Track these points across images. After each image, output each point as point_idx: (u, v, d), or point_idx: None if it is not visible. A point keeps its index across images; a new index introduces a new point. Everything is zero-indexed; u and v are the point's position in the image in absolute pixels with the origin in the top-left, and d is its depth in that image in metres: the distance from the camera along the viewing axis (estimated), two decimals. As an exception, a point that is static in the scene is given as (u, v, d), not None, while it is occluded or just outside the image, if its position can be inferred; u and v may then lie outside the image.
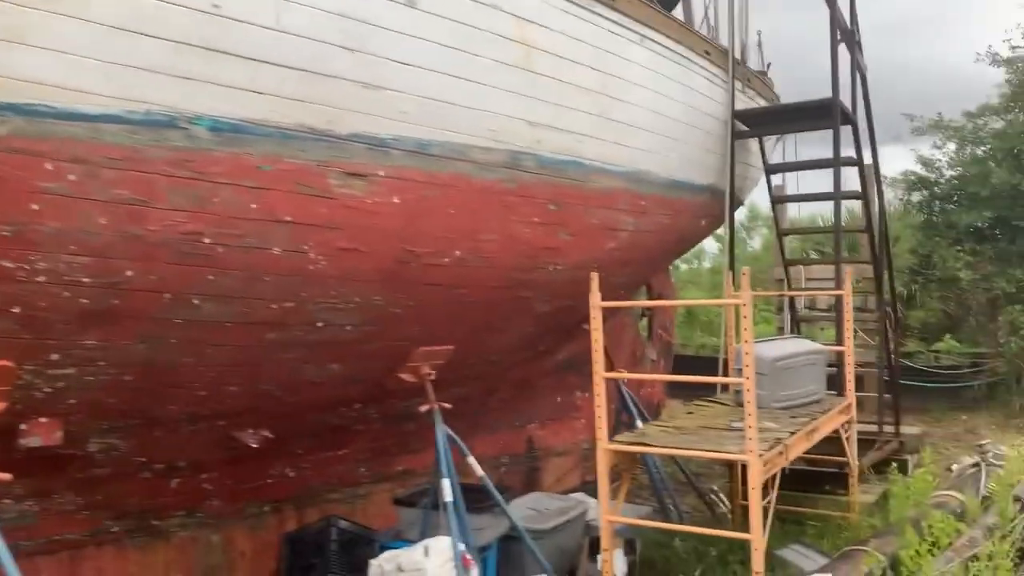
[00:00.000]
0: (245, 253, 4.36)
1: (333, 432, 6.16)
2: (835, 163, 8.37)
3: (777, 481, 5.64)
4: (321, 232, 4.60)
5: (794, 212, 18.58)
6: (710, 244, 21.88)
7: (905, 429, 9.37)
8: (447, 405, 6.00)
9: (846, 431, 7.31)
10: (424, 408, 5.83)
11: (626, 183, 6.78)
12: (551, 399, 8.95)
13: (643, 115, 6.88)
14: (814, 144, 10.54)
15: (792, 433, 5.86)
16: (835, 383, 7.66)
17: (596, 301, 5.73)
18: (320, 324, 4.94)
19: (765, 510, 5.17)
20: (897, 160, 42.53)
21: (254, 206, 4.30)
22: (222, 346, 4.69)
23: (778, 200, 9.75)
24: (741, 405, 6.85)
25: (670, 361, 11.81)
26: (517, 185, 5.63)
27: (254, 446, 5.40)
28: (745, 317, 5.86)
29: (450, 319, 5.74)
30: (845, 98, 8.79)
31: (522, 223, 5.77)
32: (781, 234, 10.33)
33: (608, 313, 9.16)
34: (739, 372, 6.85)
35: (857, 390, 7.63)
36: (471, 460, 5.97)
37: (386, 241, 4.93)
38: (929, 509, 6.36)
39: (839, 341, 7.58)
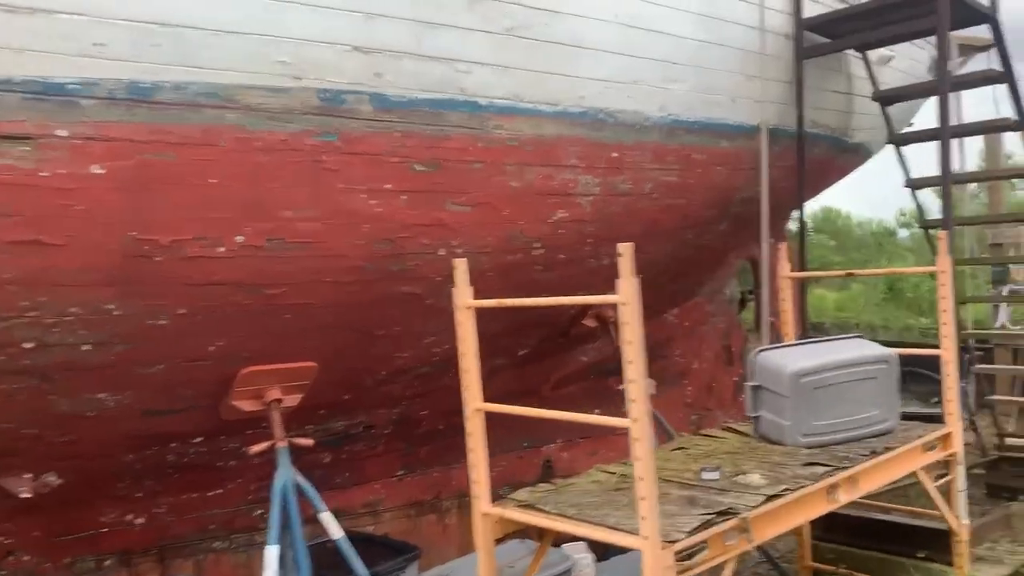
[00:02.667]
0: None
1: (187, 471, 4.87)
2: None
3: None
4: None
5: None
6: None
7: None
8: (305, 441, 4.52)
9: (940, 477, 4.90)
10: (264, 447, 4.39)
11: (580, 129, 4.85)
12: (583, 412, 7.08)
13: (607, 31, 4.89)
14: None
15: (771, 497, 3.73)
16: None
17: (462, 298, 3.95)
18: (29, 345, 3.64)
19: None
20: None
21: None
22: None
23: (900, 140, 7.09)
24: (763, 439, 4.74)
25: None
26: (341, 139, 3.98)
27: (24, 495, 4.24)
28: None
29: (275, 329, 4.23)
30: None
31: (363, 192, 4.10)
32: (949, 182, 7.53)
33: (660, 304, 7.20)
34: (754, 392, 4.75)
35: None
36: (324, 517, 4.44)
37: (95, 228, 3.52)
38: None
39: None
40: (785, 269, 5.68)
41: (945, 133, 5.79)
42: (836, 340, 4.96)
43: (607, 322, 6.15)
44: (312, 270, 4.12)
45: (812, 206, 25.51)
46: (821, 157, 6.94)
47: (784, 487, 3.85)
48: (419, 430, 5.96)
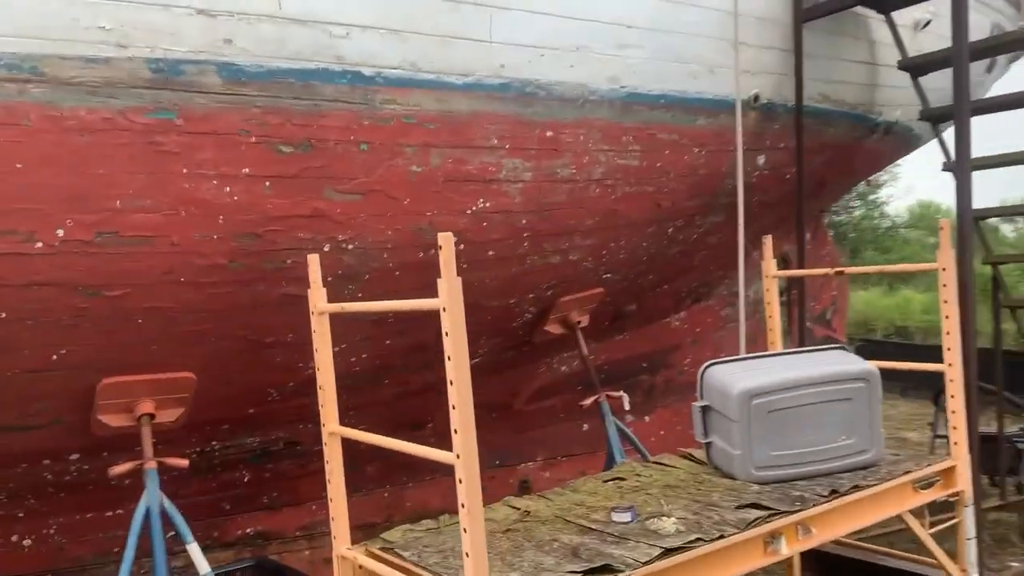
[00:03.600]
0: None
1: (74, 490, 4.42)
2: None
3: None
4: None
5: None
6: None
7: None
8: (178, 462, 4.00)
9: (934, 521, 4.00)
10: (127, 468, 3.90)
11: (501, 104, 4.16)
12: (568, 426, 6.39)
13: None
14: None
15: (670, 551, 2.96)
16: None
17: (316, 301, 3.35)
18: None
19: None
20: None
21: None
22: None
23: (930, 117, 6.04)
24: (716, 469, 3.96)
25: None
26: (181, 117, 3.42)
27: None
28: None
29: (129, 336, 3.71)
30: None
31: (214, 178, 3.54)
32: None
33: (654, 308, 6.37)
34: (703, 414, 3.97)
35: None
36: (192, 548, 3.91)
37: None
38: None
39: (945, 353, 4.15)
40: (771, 267, 4.84)
41: (962, 107, 4.82)
42: (808, 352, 4.11)
43: (575, 328, 5.44)
44: (160, 269, 3.58)
45: (906, 200, 23.70)
46: (840, 138, 6.01)
47: (695, 537, 3.09)
48: (361, 446, 5.36)
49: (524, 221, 4.46)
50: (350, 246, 3.97)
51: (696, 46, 4.79)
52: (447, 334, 2.59)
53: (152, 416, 3.97)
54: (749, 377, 3.81)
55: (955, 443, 4.03)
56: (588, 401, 5.32)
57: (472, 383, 5.60)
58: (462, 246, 4.28)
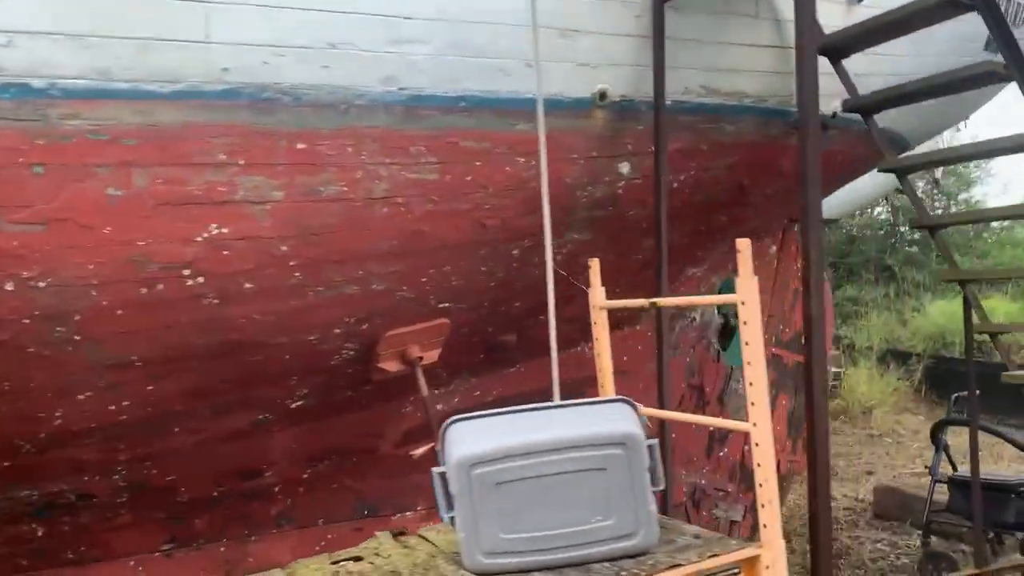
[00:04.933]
0: None
1: None
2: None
3: None
4: None
5: None
6: None
7: None
8: None
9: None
10: None
11: (227, 113, 3.57)
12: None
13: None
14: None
15: None
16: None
17: None
18: None
19: None
20: None
21: None
22: None
23: (864, 107, 4.98)
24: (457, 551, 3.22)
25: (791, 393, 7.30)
26: None
27: None
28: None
29: None
30: None
31: None
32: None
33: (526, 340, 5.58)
34: (443, 482, 3.25)
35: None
36: None
37: None
38: None
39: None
40: (598, 295, 4.05)
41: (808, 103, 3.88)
42: (576, 407, 3.30)
43: (414, 365, 4.77)
44: None
45: (1004, 199, 21.57)
46: (748, 137, 5.11)
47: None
48: (179, 498, 4.89)
49: (284, 248, 3.85)
50: (42, 283, 3.46)
51: (506, 37, 4.06)
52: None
53: None
54: (477, 440, 3.07)
55: (764, 525, 3.14)
56: (420, 451, 4.62)
57: (306, 427, 5.01)
58: (204, 279, 3.74)
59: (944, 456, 6.93)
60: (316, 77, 3.71)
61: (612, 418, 3.14)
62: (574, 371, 6.07)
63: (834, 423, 13.28)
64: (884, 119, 5.92)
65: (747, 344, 3.15)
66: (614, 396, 3.38)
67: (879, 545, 7.57)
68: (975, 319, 5.49)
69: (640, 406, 3.77)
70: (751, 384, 3.15)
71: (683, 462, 6.63)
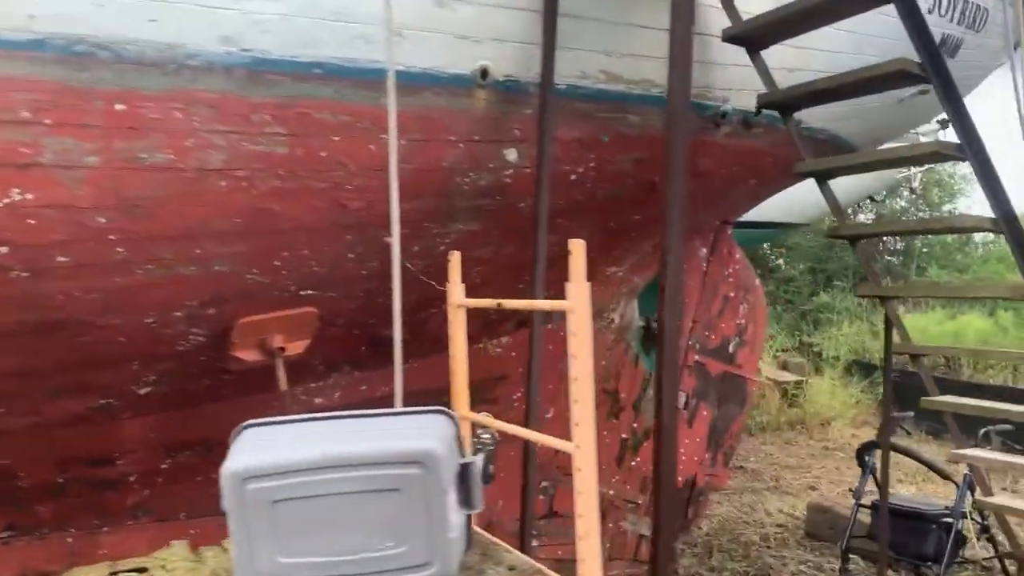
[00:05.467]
0: None
1: None
2: None
3: None
4: None
5: None
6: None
7: None
8: None
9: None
10: None
11: (30, 66, 3.18)
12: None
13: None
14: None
15: None
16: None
17: None
18: None
19: None
20: None
21: None
22: None
23: (782, 103, 4.59)
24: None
25: (745, 402, 6.96)
26: None
27: None
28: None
29: None
30: None
31: None
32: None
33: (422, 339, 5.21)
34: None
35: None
36: None
37: None
38: None
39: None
40: (457, 293, 3.69)
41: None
42: (383, 416, 2.94)
43: (274, 354, 4.41)
44: None
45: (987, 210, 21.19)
46: (656, 130, 4.72)
47: None
48: (20, 483, 4.54)
49: (102, 219, 3.47)
50: None
51: (368, 1, 3.67)
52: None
53: None
54: (256, 451, 2.71)
55: (583, 560, 2.79)
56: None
57: (162, 415, 4.63)
58: (8, 250, 3.37)
59: (871, 478, 6.59)
60: (141, 31, 3.32)
61: (414, 433, 2.77)
62: (472, 371, 5.74)
63: (790, 433, 12.94)
64: (819, 120, 5.58)
65: (575, 358, 2.79)
66: (432, 407, 3.00)
67: (803, 567, 7.24)
68: (896, 339, 5.14)
69: (465, 415, 3.44)
70: (576, 402, 2.79)
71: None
